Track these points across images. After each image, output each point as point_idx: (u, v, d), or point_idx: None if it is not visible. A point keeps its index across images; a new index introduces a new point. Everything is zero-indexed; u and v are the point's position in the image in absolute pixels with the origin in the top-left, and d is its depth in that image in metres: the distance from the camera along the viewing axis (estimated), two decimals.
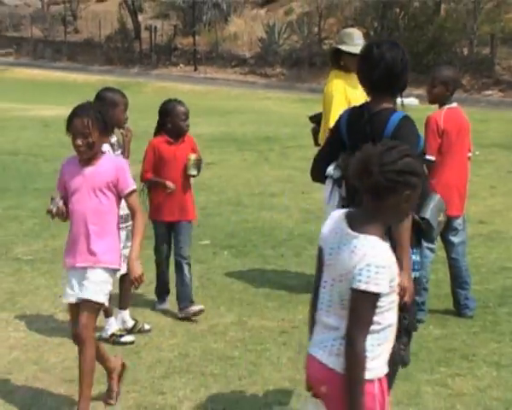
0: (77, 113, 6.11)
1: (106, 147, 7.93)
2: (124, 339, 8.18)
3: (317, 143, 9.65)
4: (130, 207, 6.38)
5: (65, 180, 6.28)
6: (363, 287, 4.08)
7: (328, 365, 4.29)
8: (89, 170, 6.17)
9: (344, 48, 8.98)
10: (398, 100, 7.18)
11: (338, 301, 4.29)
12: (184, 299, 8.64)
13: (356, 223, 4.31)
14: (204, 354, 7.86)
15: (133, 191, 6.31)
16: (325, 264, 4.42)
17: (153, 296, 9.11)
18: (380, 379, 4.31)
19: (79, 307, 6.23)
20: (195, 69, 46.92)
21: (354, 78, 9.18)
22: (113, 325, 8.26)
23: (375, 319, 4.20)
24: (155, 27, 51.85)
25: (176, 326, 8.58)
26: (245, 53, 47.15)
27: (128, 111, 8.49)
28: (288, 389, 7.07)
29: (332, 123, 8.84)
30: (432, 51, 36.89)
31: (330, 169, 6.06)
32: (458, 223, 9.00)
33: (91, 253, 6.18)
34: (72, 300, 6.32)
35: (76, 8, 58.33)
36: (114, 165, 6.28)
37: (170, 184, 8.52)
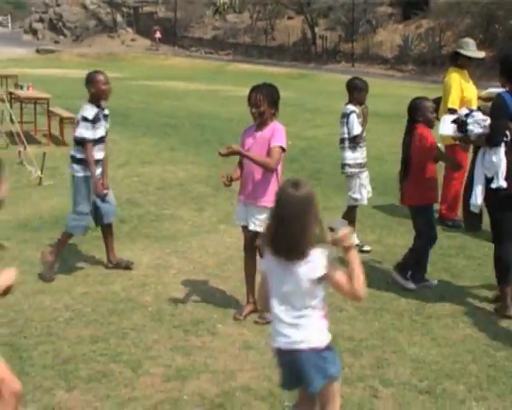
0: (253, 90, 5.99)
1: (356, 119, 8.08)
2: (364, 248, 8.10)
3: (437, 118, 9.47)
4: (271, 152, 5.91)
5: (243, 141, 6.12)
6: None
7: None
8: (259, 134, 5.99)
9: (462, 51, 8.84)
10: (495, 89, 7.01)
11: None
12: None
13: None
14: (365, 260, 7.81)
15: (278, 147, 5.92)
16: None
17: None
18: None
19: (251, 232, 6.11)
20: (353, 66, 46.42)
21: (466, 73, 9.05)
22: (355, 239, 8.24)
23: None
24: (326, 36, 51.50)
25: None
26: (387, 55, 46.49)
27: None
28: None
29: (450, 105, 8.77)
30: None
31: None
32: None
33: (255, 195, 6.00)
34: (239, 223, 6.27)
35: (274, 23, 58.37)
36: (274, 128, 5.97)
37: None
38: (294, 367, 3.70)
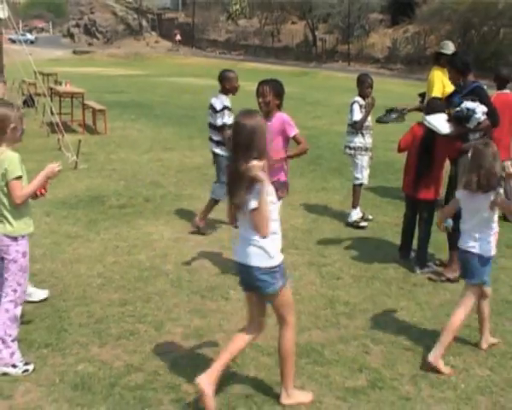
0: (260, 83, 5.95)
1: (357, 108, 8.11)
2: (361, 224, 8.14)
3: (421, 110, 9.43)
4: (296, 140, 5.98)
5: None
6: None
7: None
8: (268, 124, 5.74)
9: (443, 51, 8.80)
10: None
11: None
12: None
13: None
14: (351, 234, 7.82)
15: (298, 134, 5.93)
16: None
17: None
18: None
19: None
20: (348, 64, 46.39)
21: (447, 71, 9.00)
22: (355, 215, 8.24)
23: None
24: (325, 39, 51.46)
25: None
26: (378, 55, 46.46)
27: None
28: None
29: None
30: (493, 58, 36.09)
31: None
32: (506, 164, 8.57)
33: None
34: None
35: (279, 27, 58.11)
36: (281, 119, 5.90)
37: None
38: (465, 263, 4.82)
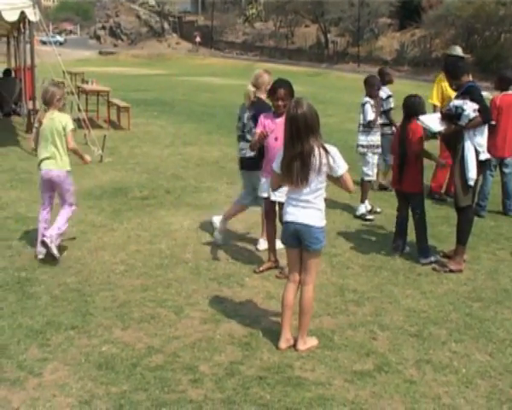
0: (280, 85, 5.82)
1: (369, 108, 8.14)
2: (367, 217, 8.06)
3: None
4: None
5: (264, 123, 5.93)
6: None
7: None
8: (279, 120, 5.72)
9: (453, 53, 8.91)
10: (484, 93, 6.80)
11: None
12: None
13: None
14: (360, 226, 7.78)
15: None
16: None
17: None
18: None
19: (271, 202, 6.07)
20: (358, 66, 46.15)
21: None
22: (363, 208, 8.19)
23: None
24: (336, 41, 51.19)
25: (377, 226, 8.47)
26: (387, 57, 46.19)
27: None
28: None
29: (429, 100, 9.13)
30: (495, 61, 36.14)
31: None
32: (509, 160, 8.51)
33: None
34: (263, 195, 6.15)
35: (293, 30, 57.93)
36: None
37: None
38: None
